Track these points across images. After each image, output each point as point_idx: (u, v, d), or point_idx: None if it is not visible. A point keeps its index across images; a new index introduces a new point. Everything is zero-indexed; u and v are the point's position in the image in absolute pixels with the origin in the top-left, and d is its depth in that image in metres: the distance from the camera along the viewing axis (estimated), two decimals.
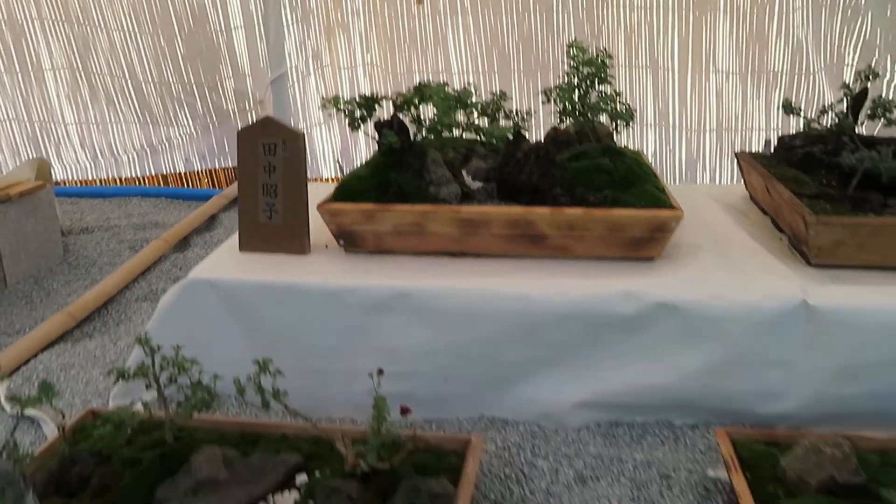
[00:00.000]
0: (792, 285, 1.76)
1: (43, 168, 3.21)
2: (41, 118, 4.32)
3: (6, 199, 2.86)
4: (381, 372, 1.46)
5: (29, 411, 1.95)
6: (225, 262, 2.01)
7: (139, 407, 1.52)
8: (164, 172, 4.36)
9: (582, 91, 2.08)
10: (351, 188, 2.01)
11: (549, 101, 2.15)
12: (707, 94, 3.87)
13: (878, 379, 1.70)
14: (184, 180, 4.36)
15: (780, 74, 3.73)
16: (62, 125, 4.32)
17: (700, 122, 3.92)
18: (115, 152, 4.35)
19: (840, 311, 1.70)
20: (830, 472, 1.39)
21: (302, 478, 1.53)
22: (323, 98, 2.01)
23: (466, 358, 1.84)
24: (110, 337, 2.48)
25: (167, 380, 1.53)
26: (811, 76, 3.68)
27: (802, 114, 2.26)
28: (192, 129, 4.22)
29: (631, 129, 3.96)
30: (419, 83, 1.95)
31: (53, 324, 2.48)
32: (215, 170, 4.35)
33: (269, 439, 1.63)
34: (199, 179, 4.36)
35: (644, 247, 1.91)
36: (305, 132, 4.05)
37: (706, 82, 3.86)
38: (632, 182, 1.96)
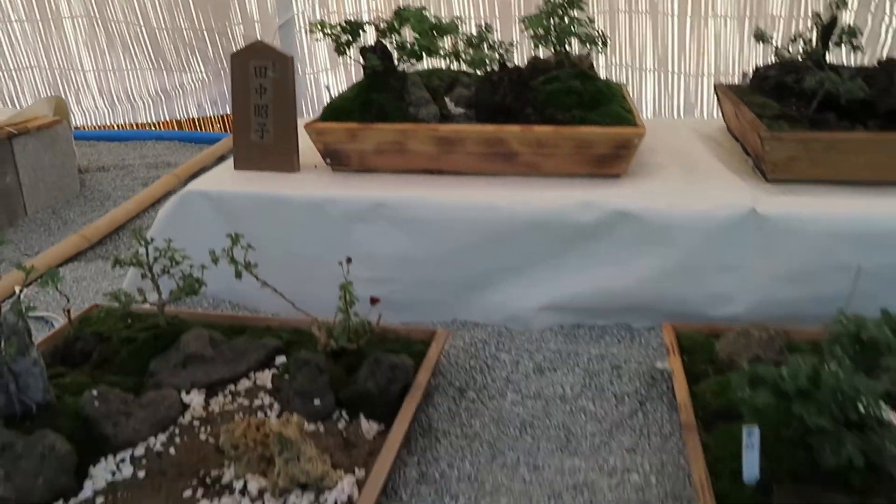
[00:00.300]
0: (744, 196, 1.87)
1: (60, 106, 3.38)
2: (61, 65, 4.50)
3: (25, 131, 3.03)
4: (349, 260, 1.61)
5: (42, 313, 2.15)
6: (220, 178, 2.17)
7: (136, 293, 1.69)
8: (178, 118, 4.52)
9: (556, 18, 2.18)
10: (337, 109, 2.14)
11: (526, 28, 2.25)
12: (706, 39, 3.92)
13: (822, 283, 1.80)
14: (197, 125, 4.52)
15: (777, 19, 3.76)
16: (81, 72, 4.50)
17: (698, 68, 3.97)
18: (132, 98, 4.52)
19: (787, 219, 1.80)
20: (757, 352, 1.51)
21: (281, 359, 1.70)
22: (310, 23, 2.14)
23: (439, 265, 1.98)
24: (119, 253, 2.65)
25: (160, 271, 1.70)
26: (809, 21, 3.69)
27: (773, 42, 2.32)
28: (204, 76, 4.37)
29: (630, 75, 4.07)
30: (398, 7, 2.07)
31: (68, 244, 2.67)
32: (227, 115, 4.50)
33: (253, 330, 1.80)
34: (212, 124, 4.52)
35: (610, 164, 2.02)
36: (313, 77, 4.22)
37: (705, 28, 3.90)
38: (600, 102, 2.06)
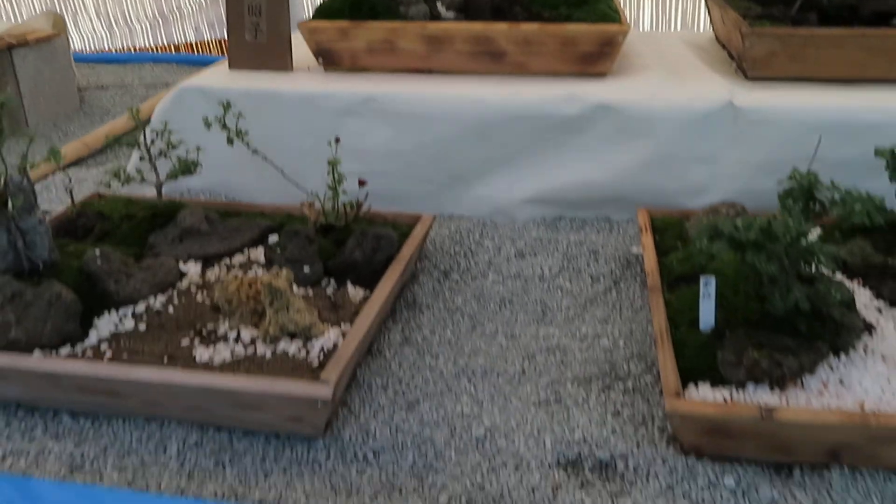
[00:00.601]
0: (723, 91, 1.92)
1: (58, 22, 3.40)
2: None
3: (24, 43, 3.07)
4: (337, 140, 1.68)
5: (45, 207, 2.23)
6: (215, 76, 2.22)
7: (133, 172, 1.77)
8: (176, 42, 4.53)
9: None
10: (328, 8, 2.18)
11: None
12: None
13: None
14: (194, 49, 4.53)
15: None
16: None
17: None
18: (129, 21, 4.53)
19: (762, 111, 1.86)
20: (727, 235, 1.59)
21: (274, 237, 1.78)
22: None
23: (427, 158, 2.05)
24: (120, 164, 2.73)
25: (158, 153, 1.77)
26: None
27: None
28: None
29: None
30: None
31: (70, 150, 2.74)
32: (224, 40, 4.50)
33: (247, 214, 1.88)
34: (210, 48, 4.53)
35: (595, 62, 2.07)
36: None
37: None
38: (586, 1, 2.10)
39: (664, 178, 1.95)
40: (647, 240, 1.65)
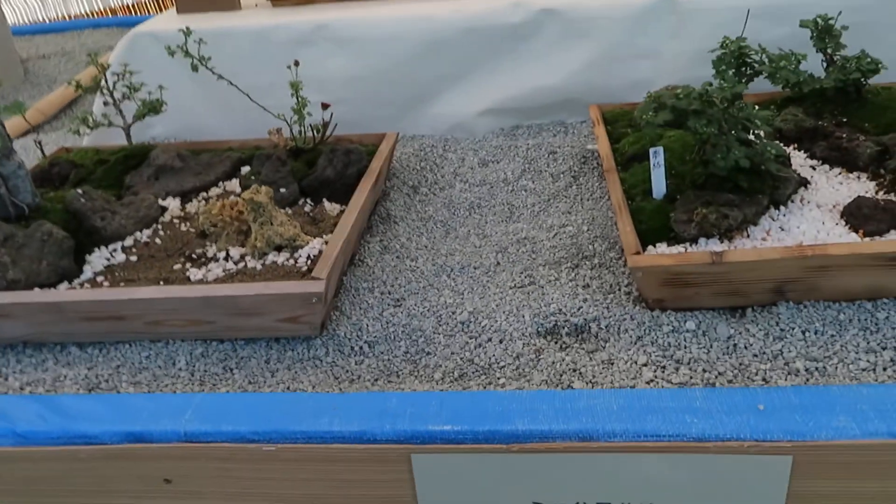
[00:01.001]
0: None
1: None
2: None
3: None
4: (297, 63, 1.73)
5: None
6: (165, 21, 2.24)
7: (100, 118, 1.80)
8: (112, 5, 4.44)
9: None
10: None
11: None
12: None
13: None
14: (131, 11, 4.45)
15: None
16: None
17: None
18: None
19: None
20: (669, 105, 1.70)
21: (246, 169, 1.84)
22: None
23: (384, 81, 2.11)
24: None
25: (121, 96, 1.81)
26: None
27: None
28: None
29: None
30: None
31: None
32: None
33: (217, 150, 1.93)
34: (147, 9, 4.45)
35: None
36: None
37: None
38: None
39: (611, 76, 2.05)
40: (600, 130, 1.76)
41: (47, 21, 4.43)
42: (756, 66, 1.36)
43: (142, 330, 1.38)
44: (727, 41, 1.38)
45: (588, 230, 1.67)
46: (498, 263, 1.61)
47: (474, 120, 2.13)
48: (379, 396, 1.12)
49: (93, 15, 4.42)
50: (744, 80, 1.39)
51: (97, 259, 1.50)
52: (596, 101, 2.07)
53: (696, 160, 1.43)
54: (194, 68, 1.62)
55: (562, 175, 1.91)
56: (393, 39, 2.05)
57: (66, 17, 4.44)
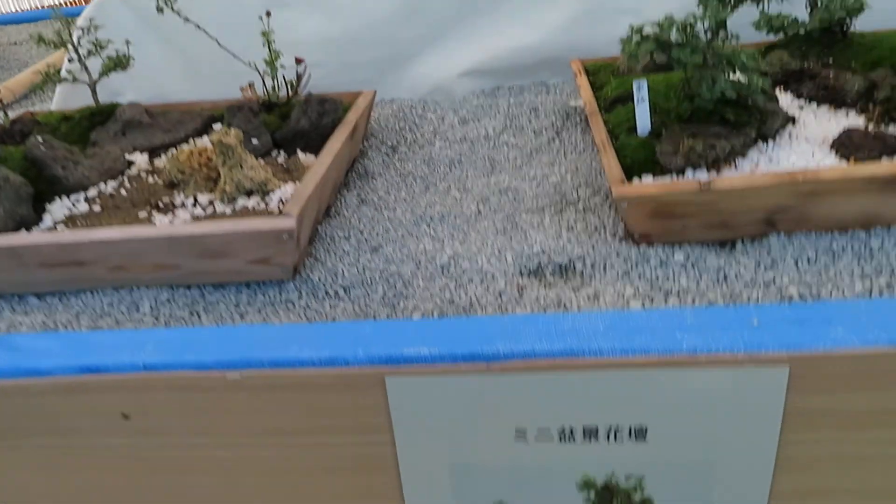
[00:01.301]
0: None
1: None
2: None
3: None
4: (268, 13, 1.68)
5: None
6: None
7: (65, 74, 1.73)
8: None
9: None
10: None
11: None
12: None
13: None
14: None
15: None
16: None
17: None
18: None
19: None
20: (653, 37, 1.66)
21: (218, 126, 1.78)
22: None
23: (360, 43, 2.06)
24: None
25: (87, 53, 1.74)
26: None
27: None
28: None
29: None
30: None
31: None
32: None
33: (187, 111, 1.87)
34: None
35: None
36: None
37: None
38: None
39: (593, 34, 2.00)
40: (582, 80, 1.71)
41: (17, 11, 4.36)
42: None
43: (104, 277, 1.31)
44: None
45: (572, 179, 1.62)
46: (479, 212, 1.55)
47: (454, 82, 2.08)
48: (352, 325, 1.06)
49: (64, 5, 4.35)
50: (728, 7, 1.35)
51: (58, 209, 1.42)
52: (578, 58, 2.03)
53: (681, 96, 1.39)
54: (159, 10, 1.56)
55: (544, 130, 1.86)
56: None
57: (38, 7, 4.36)
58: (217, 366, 0.98)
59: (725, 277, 1.21)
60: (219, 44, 1.71)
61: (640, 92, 1.34)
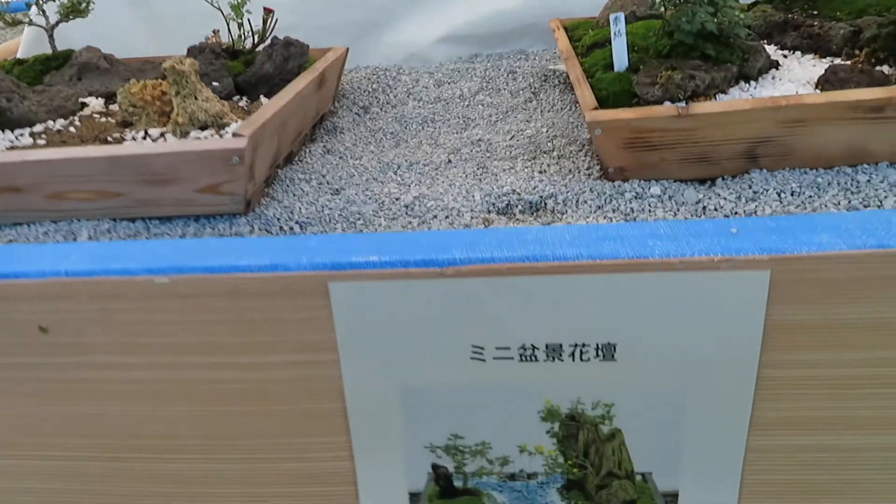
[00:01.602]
0: None
1: None
2: None
3: None
4: None
5: None
6: None
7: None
8: None
9: None
10: None
11: None
12: None
13: None
14: None
15: None
16: None
17: None
18: None
19: None
20: (632, 9, 1.61)
21: None
22: None
23: (334, 8, 2.00)
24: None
25: None
26: None
27: None
28: None
29: None
30: None
31: None
32: None
33: (151, 61, 1.79)
34: None
35: None
36: None
37: None
38: None
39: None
40: (560, 34, 1.65)
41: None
42: None
43: (42, 207, 1.22)
44: None
45: (548, 132, 1.55)
46: (449, 161, 1.48)
47: (430, 48, 2.02)
48: (298, 238, 0.97)
49: None
50: None
51: None
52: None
53: (660, 34, 1.32)
54: None
55: (521, 91, 1.79)
56: None
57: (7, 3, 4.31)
58: (145, 272, 0.89)
59: (704, 209, 1.13)
60: None
61: (618, 25, 1.28)
